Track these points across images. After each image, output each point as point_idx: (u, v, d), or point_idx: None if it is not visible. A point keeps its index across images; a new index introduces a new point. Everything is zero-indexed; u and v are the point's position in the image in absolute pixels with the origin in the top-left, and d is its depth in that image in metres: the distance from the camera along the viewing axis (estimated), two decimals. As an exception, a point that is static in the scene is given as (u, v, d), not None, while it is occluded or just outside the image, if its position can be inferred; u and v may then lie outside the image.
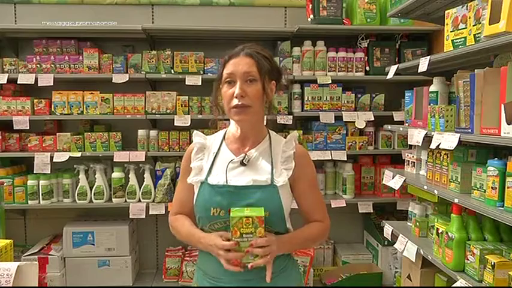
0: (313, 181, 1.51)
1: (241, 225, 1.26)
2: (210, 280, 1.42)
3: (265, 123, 1.52)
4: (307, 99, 3.04)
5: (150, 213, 2.95)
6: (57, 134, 2.99)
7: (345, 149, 3.08)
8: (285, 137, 1.49)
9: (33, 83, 2.91)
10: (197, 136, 1.51)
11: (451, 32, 1.93)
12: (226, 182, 1.39)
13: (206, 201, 1.38)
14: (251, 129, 1.45)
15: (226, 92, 1.39)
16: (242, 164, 1.42)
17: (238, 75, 1.36)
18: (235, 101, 1.36)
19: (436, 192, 2.04)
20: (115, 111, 2.98)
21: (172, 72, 3.01)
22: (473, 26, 1.76)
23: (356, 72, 3.09)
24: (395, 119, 3.02)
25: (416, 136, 2.18)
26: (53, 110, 2.97)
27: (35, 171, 2.93)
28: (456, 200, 1.82)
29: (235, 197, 1.36)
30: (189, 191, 1.46)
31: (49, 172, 2.93)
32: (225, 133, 1.51)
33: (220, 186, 1.38)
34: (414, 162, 2.47)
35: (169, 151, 3.01)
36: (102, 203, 2.99)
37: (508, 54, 1.83)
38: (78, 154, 2.95)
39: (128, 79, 2.95)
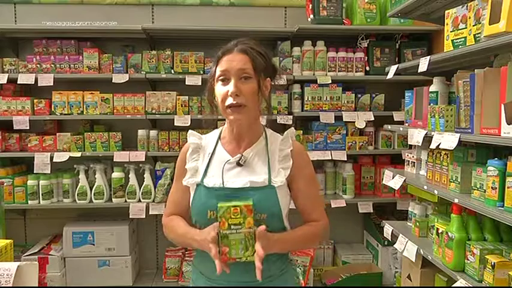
0: (311, 179, 1.46)
1: (229, 216, 1.22)
2: (206, 280, 1.39)
3: (264, 123, 1.50)
4: (307, 99, 3.04)
5: (150, 213, 2.95)
6: (57, 134, 2.99)
7: (345, 149, 3.07)
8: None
9: (33, 83, 2.91)
10: (192, 136, 1.47)
11: (451, 32, 1.93)
12: (223, 184, 1.35)
13: (202, 204, 1.35)
14: (247, 129, 1.41)
15: (220, 90, 1.35)
16: (238, 164, 1.39)
17: (233, 72, 1.32)
18: (229, 100, 1.32)
19: (436, 192, 2.04)
20: (115, 111, 2.98)
21: (172, 72, 3.01)
22: (473, 26, 1.76)
23: (356, 72, 3.09)
24: (395, 119, 3.02)
25: (416, 136, 2.18)
26: (53, 110, 2.97)
27: (35, 171, 2.93)
28: (456, 200, 1.82)
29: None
30: (184, 192, 1.43)
31: (49, 172, 2.93)
32: (221, 132, 1.48)
33: (216, 189, 1.35)
34: (414, 162, 2.47)
35: (169, 151, 3.01)
36: (102, 203, 2.99)
37: (508, 54, 1.83)
38: (78, 154, 2.95)
39: (128, 79, 2.94)
